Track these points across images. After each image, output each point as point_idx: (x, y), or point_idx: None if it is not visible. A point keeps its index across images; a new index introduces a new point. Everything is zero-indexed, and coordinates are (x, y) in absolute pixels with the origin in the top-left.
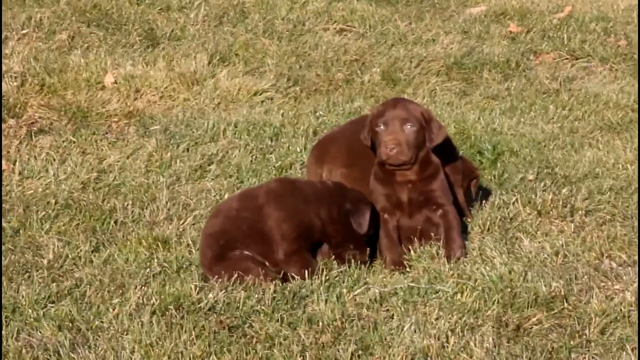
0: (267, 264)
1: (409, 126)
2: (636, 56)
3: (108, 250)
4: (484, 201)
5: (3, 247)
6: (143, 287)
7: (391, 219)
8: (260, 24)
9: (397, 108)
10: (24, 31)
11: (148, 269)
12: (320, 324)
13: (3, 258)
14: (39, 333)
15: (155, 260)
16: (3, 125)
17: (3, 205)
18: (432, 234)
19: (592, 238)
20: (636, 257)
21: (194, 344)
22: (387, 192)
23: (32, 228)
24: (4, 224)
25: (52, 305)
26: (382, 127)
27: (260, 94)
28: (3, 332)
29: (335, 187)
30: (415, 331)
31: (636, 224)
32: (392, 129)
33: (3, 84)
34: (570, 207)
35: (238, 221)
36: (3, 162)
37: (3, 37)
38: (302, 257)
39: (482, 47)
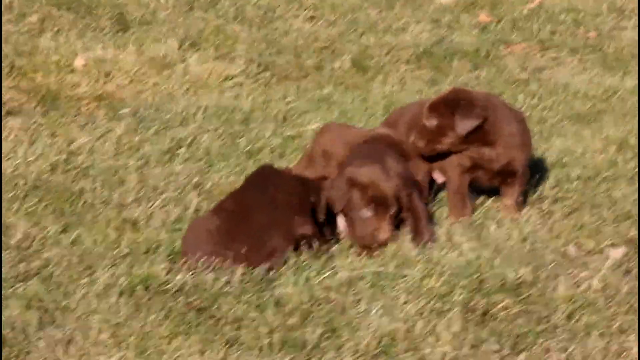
0: None
1: None
2: (605, 48)
3: (77, 231)
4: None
5: None
6: (111, 268)
7: None
8: (231, 10)
9: None
10: None
11: (116, 250)
12: (288, 306)
13: None
14: (6, 312)
15: (124, 242)
16: None
17: None
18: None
19: (559, 226)
20: (602, 246)
21: (162, 324)
22: None
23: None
24: None
25: (20, 284)
26: None
27: (230, 79)
28: None
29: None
30: (382, 315)
31: (603, 212)
32: None
33: None
34: (539, 195)
35: None
36: None
37: None
38: None
39: (452, 37)
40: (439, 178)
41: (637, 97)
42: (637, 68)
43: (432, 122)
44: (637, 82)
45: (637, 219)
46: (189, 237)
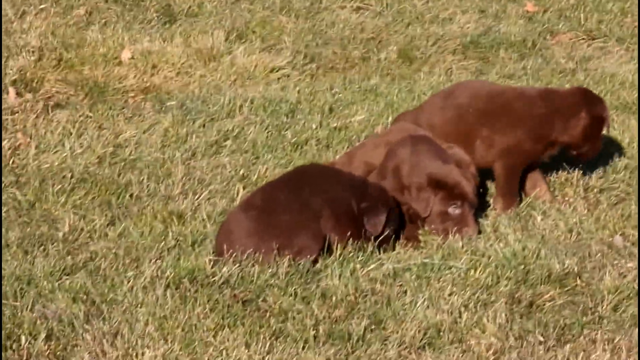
0: None
1: None
2: None
3: (123, 224)
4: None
5: (19, 220)
6: (157, 261)
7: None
8: (277, 1)
9: None
10: (42, 6)
11: (163, 243)
12: (334, 298)
13: (19, 230)
14: (53, 305)
15: (170, 234)
16: (20, 100)
17: (20, 179)
18: None
19: (606, 216)
20: None
21: (208, 317)
22: None
23: (47, 201)
24: (19, 197)
25: (67, 277)
26: None
27: (277, 71)
28: (18, 304)
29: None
30: (428, 306)
31: None
32: None
33: (20, 59)
34: (585, 185)
35: None
36: (20, 135)
37: (21, 12)
38: None
39: (498, 27)
40: None
41: None
42: None
43: None
44: None
45: None
46: (221, 236)
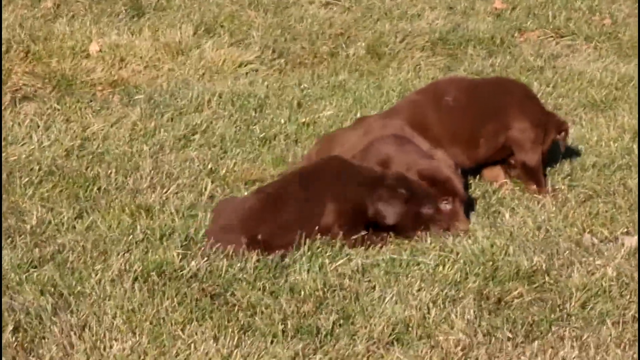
0: None
1: None
2: (620, 35)
3: (91, 217)
4: (467, 176)
5: None
6: (125, 254)
7: None
8: None
9: None
10: None
11: (131, 236)
12: (302, 293)
13: None
14: (21, 297)
15: (138, 228)
16: None
17: None
18: None
19: (574, 214)
20: (616, 234)
21: (176, 310)
22: None
23: (15, 194)
24: None
25: (35, 270)
26: None
27: (245, 66)
28: None
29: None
30: (396, 302)
31: (618, 200)
32: None
33: None
34: (553, 183)
35: None
36: None
37: None
38: None
39: (467, 23)
40: None
41: None
42: None
43: None
44: None
45: None
46: (224, 210)
